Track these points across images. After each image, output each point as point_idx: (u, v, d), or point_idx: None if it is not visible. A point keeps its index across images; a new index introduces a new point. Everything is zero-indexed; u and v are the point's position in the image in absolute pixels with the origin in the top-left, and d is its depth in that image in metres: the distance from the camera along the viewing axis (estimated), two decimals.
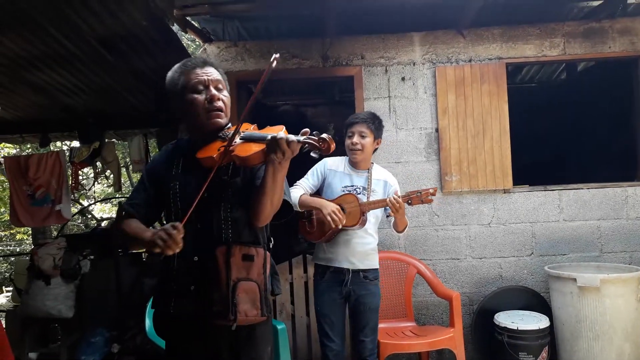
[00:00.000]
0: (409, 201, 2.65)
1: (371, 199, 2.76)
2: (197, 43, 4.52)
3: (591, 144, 5.41)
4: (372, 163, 2.91)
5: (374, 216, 2.82)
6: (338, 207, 2.63)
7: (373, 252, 2.85)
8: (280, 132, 1.54)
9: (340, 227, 2.59)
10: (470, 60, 4.10)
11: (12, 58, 3.95)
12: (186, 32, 4.20)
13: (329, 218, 2.57)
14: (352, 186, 2.80)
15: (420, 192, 2.66)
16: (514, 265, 4.04)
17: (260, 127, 1.69)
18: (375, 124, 2.84)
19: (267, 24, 4.32)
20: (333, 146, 1.52)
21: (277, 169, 1.54)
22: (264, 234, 1.80)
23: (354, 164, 2.84)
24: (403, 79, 4.12)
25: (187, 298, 1.67)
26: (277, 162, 1.52)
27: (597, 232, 4.01)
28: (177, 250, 1.48)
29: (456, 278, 4.05)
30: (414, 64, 4.12)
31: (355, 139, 2.78)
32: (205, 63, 1.74)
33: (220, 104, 1.70)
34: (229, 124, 1.76)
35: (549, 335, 3.55)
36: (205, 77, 1.70)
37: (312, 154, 1.54)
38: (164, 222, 1.76)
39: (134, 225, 1.67)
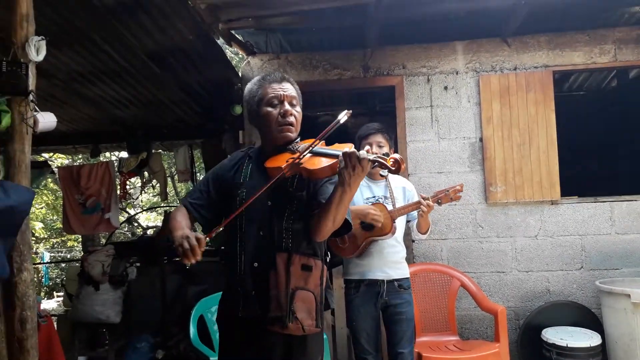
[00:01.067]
0: (439, 201, 2.66)
1: (396, 206, 2.76)
2: (241, 56, 4.62)
3: None
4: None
5: (399, 224, 2.81)
6: (371, 207, 2.65)
7: (403, 260, 2.85)
8: (350, 147, 1.60)
9: (380, 224, 2.62)
10: (515, 69, 4.02)
11: (68, 72, 4.16)
12: (231, 45, 4.31)
13: (371, 221, 2.60)
14: (374, 197, 2.81)
15: (448, 191, 2.67)
16: (562, 280, 3.89)
17: (327, 144, 1.74)
18: (389, 133, 2.87)
19: (308, 36, 4.38)
20: (404, 166, 1.56)
21: (345, 190, 1.56)
22: (321, 248, 1.83)
23: (370, 175, 2.83)
24: (446, 88, 4.08)
25: (253, 302, 1.71)
26: (347, 180, 1.53)
27: None
28: (194, 262, 1.51)
29: (501, 292, 3.94)
30: (457, 73, 4.08)
31: (374, 149, 2.79)
32: (283, 79, 1.82)
33: (292, 119, 1.77)
34: (299, 138, 1.82)
35: (601, 354, 3.39)
36: (282, 92, 1.77)
37: (381, 173, 1.57)
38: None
39: (178, 219, 1.74)
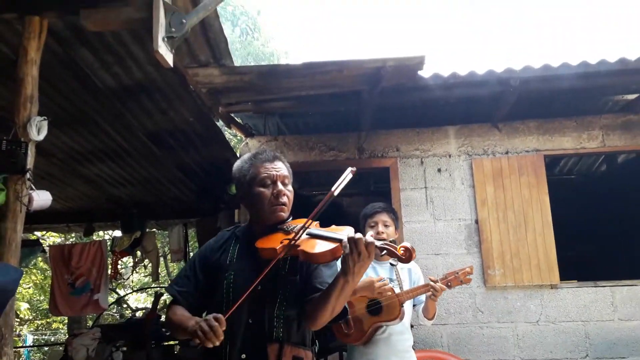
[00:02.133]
0: (448, 284, 2.53)
1: (403, 289, 2.65)
2: (239, 137, 4.74)
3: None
4: None
5: (407, 309, 2.69)
6: (375, 278, 2.48)
7: (411, 349, 2.68)
8: (350, 231, 1.51)
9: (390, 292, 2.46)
10: (507, 153, 4.12)
11: (67, 152, 4.22)
12: (230, 127, 4.43)
13: (379, 291, 2.42)
14: (379, 279, 2.70)
15: (457, 273, 2.54)
16: None
17: (322, 224, 1.68)
18: (395, 213, 2.81)
19: (305, 119, 4.52)
20: (414, 255, 1.45)
21: (348, 280, 1.47)
22: (311, 335, 1.74)
23: (375, 256, 2.75)
24: (439, 170, 4.14)
25: None
26: (351, 269, 1.44)
27: None
28: (217, 343, 1.43)
29: None
30: (449, 156, 4.17)
31: (381, 228, 2.72)
32: (275, 158, 1.78)
33: (285, 199, 1.72)
34: (290, 217, 1.76)
35: None
36: (274, 173, 1.72)
37: (390, 262, 1.48)
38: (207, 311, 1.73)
39: (179, 313, 1.66)
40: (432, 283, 2.49)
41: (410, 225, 4.06)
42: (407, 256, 1.43)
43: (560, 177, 5.77)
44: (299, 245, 1.53)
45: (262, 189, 1.71)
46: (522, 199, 3.97)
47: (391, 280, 2.67)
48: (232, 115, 4.18)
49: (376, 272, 2.71)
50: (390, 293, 2.48)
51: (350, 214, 5.83)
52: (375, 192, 5.82)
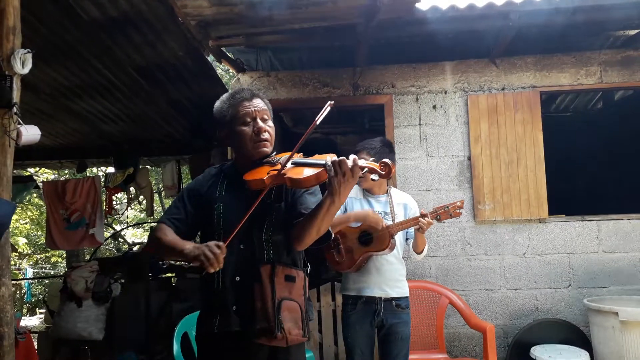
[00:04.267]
0: (438, 217, 2.59)
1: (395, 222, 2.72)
2: (231, 73, 4.63)
3: (630, 174, 5.24)
4: (389, 187, 2.87)
5: (398, 241, 2.77)
6: (371, 210, 2.62)
7: (403, 278, 2.80)
8: (333, 157, 1.58)
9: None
10: (503, 89, 4.07)
11: (56, 87, 4.12)
12: (221, 63, 4.32)
13: (374, 222, 2.54)
14: (374, 212, 2.76)
15: (447, 207, 2.60)
16: (550, 298, 3.90)
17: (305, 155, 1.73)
18: (391, 147, 2.84)
19: (299, 54, 4.40)
20: (394, 170, 1.55)
21: (334, 200, 1.55)
22: (301, 258, 1.83)
23: (368, 190, 2.81)
24: (434, 107, 4.11)
25: (231, 317, 1.69)
26: (337, 189, 1.52)
27: (639, 264, 3.85)
28: (218, 269, 1.53)
29: (490, 309, 3.93)
30: (445, 93, 4.12)
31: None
32: (253, 95, 1.82)
33: (266, 135, 1.77)
34: (274, 152, 1.82)
35: None
36: (253, 109, 1.77)
37: (372, 178, 1.56)
38: (199, 241, 1.79)
39: (171, 235, 1.73)
40: (420, 217, 2.56)
41: (403, 162, 4.08)
42: (387, 171, 1.53)
43: (555, 114, 5.76)
44: (285, 174, 1.61)
45: (243, 128, 1.77)
46: (515, 135, 3.97)
47: (385, 213, 2.74)
48: (223, 49, 4.06)
49: (371, 206, 2.77)
50: (382, 225, 2.56)
51: (344, 151, 5.84)
52: (369, 130, 5.80)
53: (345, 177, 1.50)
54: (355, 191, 2.84)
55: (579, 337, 3.72)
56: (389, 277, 2.72)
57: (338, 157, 1.56)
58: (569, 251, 3.91)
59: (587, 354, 3.42)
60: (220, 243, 1.54)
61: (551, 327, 3.78)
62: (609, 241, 3.90)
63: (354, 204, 2.81)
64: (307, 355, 2.98)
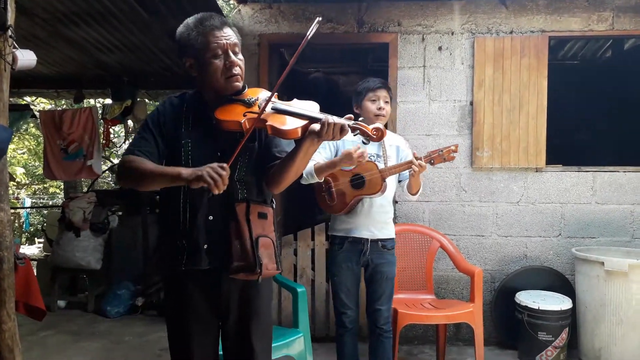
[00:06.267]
0: (431, 161, 2.56)
1: (388, 165, 2.70)
2: (232, 4, 4.46)
3: (631, 127, 5.20)
4: None
5: (390, 183, 2.77)
6: (352, 148, 2.37)
7: (390, 220, 2.84)
8: (316, 110, 1.55)
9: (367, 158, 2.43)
10: (511, 32, 3.95)
11: (52, 12, 3.99)
12: None
13: (359, 159, 2.31)
14: (357, 150, 2.73)
15: (441, 151, 2.55)
16: (540, 246, 3.97)
17: (290, 96, 1.68)
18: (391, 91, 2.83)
19: None
20: (385, 133, 1.53)
21: (314, 143, 1.55)
22: (269, 195, 1.84)
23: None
24: (440, 48, 4.00)
25: (201, 256, 1.71)
26: (320, 140, 1.52)
27: (630, 217, 3.90)
28: (221, 191, 1.50)
29: (480, 255, 4.01)
30: (452, 34, 4.00)
31: (382, 104, 2.72)
32: (223, 24, 1.70)
33: (238, 70, 1.69)
34: (245, 87, 1.74)
35: (570, 318, 3.51)
36: (225, 42, 1.66)
37: (362, 140, 1.55)
38: None
39: (151, 164, 1.63)
40: (413, 160, 2.52)
41: (404, 106, 4.02)
42: (379, 135, 1.51)
43: (563, 62, 5.63)
44: (267, 120, 1.55)
45: (213, 60, 1.66)
46: (520, 82, 3.90)
47: (378, 156, 2.72)
48: None
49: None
50: (367, 158, 2.43)
51: (346, 92, 5.74)
52: (372, 71, 5.68)
53: (333, 138, 1.50)
54: None
55: (563, 285, 3.82)
56: (377, 219, 2.75)
57: (319, 109, 1.53)
58: (562, 201, 3.94)
59: (570, 301, 3.53)
60: (225, 165, 1.50)
61: (538, 274, 3.87)
62: (602, 192, 3.92)
63: (346, 145, 2.77)
64: (299, 290, 3.09)
